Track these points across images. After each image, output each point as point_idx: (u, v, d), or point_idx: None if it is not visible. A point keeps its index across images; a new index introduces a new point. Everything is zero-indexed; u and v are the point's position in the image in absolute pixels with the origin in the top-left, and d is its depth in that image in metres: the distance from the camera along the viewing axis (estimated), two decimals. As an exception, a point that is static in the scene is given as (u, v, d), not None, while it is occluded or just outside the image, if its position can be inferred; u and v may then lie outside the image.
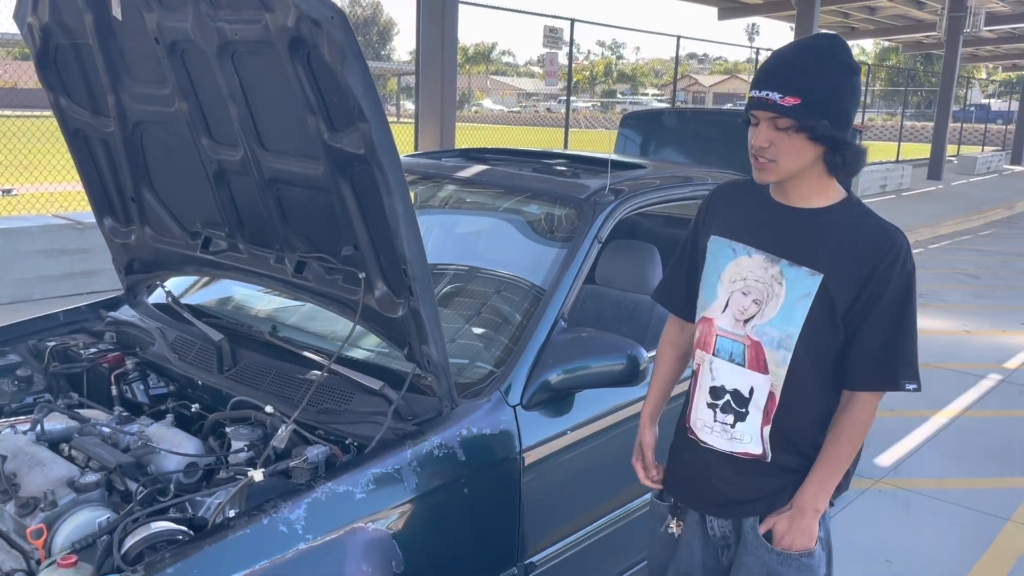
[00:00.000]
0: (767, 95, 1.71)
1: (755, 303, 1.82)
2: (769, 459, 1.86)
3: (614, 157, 3.25)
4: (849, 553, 3.57)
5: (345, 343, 2.29)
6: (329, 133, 2.00)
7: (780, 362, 1.80)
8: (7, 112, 12.86)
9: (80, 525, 1.89)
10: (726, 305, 1.86)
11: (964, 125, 32.05)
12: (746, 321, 1.83)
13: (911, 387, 1.81)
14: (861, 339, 1.79)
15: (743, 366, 1.83)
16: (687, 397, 2.00)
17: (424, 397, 2.22)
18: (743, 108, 1.82)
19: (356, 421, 2.19)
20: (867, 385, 1.83)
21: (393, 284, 2.17)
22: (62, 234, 6.99)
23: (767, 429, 1.84)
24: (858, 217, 1.81)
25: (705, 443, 1.92)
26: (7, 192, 11.67)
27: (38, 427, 2.28)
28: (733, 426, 1.86)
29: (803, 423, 1.86)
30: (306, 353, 2.46)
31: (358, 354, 2.51)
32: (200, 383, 2.54)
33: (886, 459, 4.59)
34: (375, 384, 2.23)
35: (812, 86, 1.70)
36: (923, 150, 25.00)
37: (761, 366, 1.82)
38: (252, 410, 2.27)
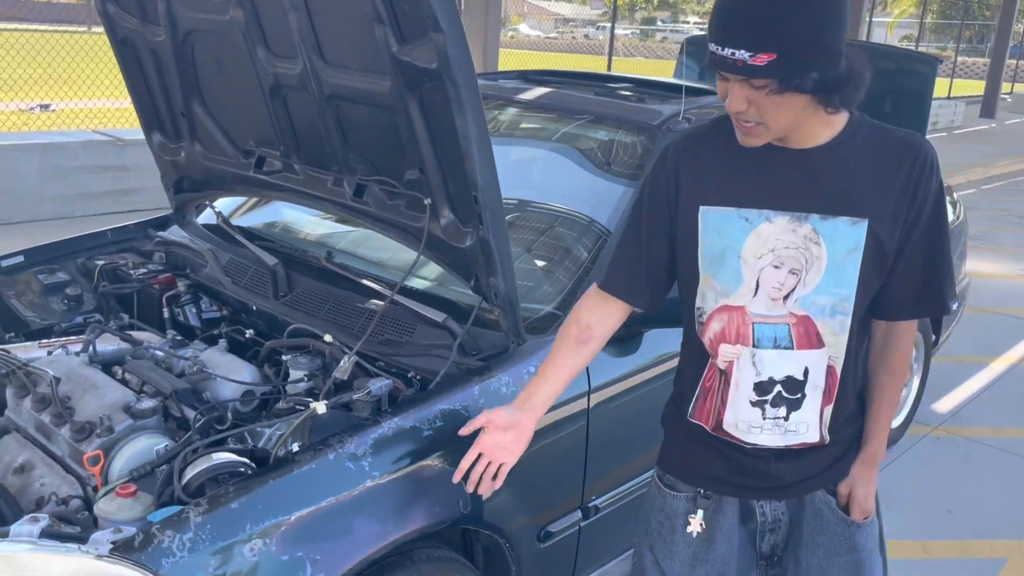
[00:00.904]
0: (732, 54, 1.36)
1: (792, 274, 1.53)
2: (828, 442, 1.66)
3: (684, 82, 3.07)
4: (911, 502, 3.48)
5: (409, 273, 2.18)
6: (398, 45, 1.85)
7: (838, 330, 1.55)
8: (44, 27, 12.70)
9: (138, 452, 1.83)
10: (757, 286, 1.56)
11: (1020, 62, 30.84)
12: (785, 297, 1.55)
13: (954, 305, 1.65)
14: (904, 266, 1.56)
15: (791, 348, 1.56)
16: (697, 393, 1.67)
17: (489, 332, 2.11)
18: None
19: (418, 354, 2.09)
20: (916, 313, 1.64)
21: (461, 212, 2.04)
22: (103, 150, 6.92)
23: (828, 409, 1.61)
24: (875, 137, 1.53)
25: (751, 444, 1.63)
26: (45, 107, 11.61)
27: (90, 348, 2.22)
28: (787, 418, 1.61)
29: (854, 386, 1.66)
30: (365, 281, 2.36)
31: (418, 284, 2.41)
32: (255, 308, 2.45)
33: (943, 406, 4.45)
34: (438, 316, 2.13)
35: (787, 31, 1.34)
36: (975, 87, 24.09)
37: (814, 341, 1.56)
38: (311, 338, 2.18)
